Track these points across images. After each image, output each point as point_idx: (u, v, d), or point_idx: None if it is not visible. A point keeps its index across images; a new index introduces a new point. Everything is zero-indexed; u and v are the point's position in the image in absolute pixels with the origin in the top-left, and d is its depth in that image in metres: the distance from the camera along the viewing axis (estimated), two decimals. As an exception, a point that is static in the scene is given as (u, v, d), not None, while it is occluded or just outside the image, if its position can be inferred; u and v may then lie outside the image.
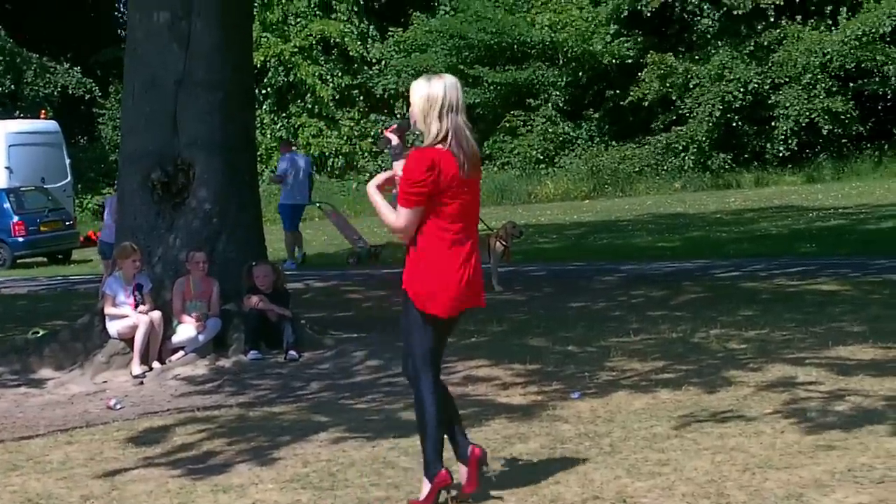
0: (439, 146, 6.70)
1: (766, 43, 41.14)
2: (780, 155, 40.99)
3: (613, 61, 42.59)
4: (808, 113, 39.93)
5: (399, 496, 6.99)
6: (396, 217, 6.73)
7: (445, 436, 6.92)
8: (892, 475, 6.91)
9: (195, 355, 12.44)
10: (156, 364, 12.33)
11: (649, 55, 41.22)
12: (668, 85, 41.22)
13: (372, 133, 46.58)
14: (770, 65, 40.77)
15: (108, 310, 12.56)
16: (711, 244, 22.86)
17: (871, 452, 7.42)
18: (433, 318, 6.77)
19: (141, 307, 12.43)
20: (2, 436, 9.61)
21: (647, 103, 41.41)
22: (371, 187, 6.91)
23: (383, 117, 46.52)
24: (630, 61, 42.27)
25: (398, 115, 45.87)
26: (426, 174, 6.64)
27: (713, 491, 6.78)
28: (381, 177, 6.95)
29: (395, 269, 20.99)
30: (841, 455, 7.40)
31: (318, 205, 26.35)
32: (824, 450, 7.54)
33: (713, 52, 41.59)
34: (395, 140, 7.00)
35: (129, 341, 12.33)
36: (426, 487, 6.81)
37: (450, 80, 6.82)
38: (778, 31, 41.04)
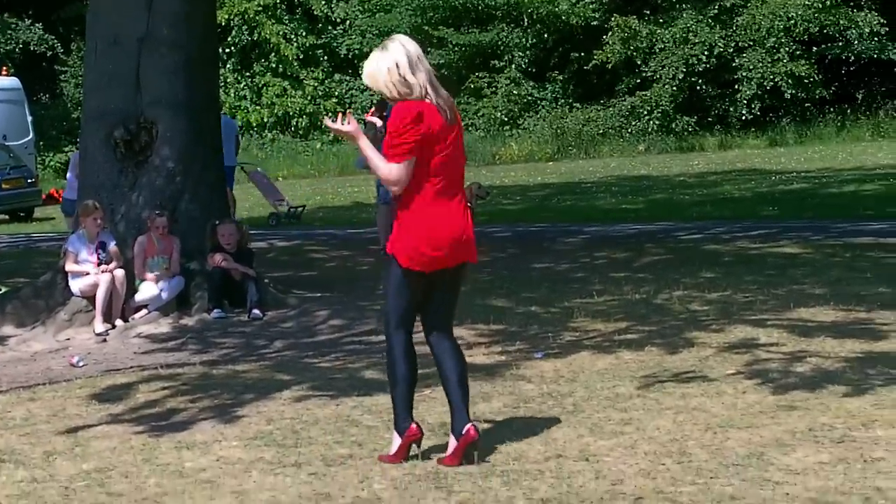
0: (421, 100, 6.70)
1: (730, 6, 41.19)
2: (744, 118, 41.15)
3: (579, 23, 42.54)
4: (771, 77, 40.06)
5: (363, 454, 7.01)
6: (389, 170, 6.67)
7: (448, 403, 6.90)
8: (852, 435, 6.97)
9: (158, 313, 12.42)
10: (119, 322, 12.30)
11: (613, 19, 41.22)
12: (631, 48, 41.23)
13: (336, 93, 46.42)
14: (734, 28, 40.84)
15: (70, 267, 12.51)
16: (675, 207, 22.96)
17: (832, 412, 7.48)
18: (415, 274, 6.77)
19: (104, 265, 12.38)
20: (-36, 392, 9.58)
21: (610, 66, 41.43)
22: (362, 137, 6.83)
23: (347, 77, 46.38)
24: (595, 23, 42.24)
25: (362, 76, 45.70)
26: (413, 124, 6.62)
27: (675, 450, 6.83)
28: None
29: (359, 230, 21.05)
30: (802, 415, 7.46)
31: (241, 166, 26.33)
32: (785, 410, 7.59)
33: (677, 15, 41.62)
34: (379, 122, 7.01)
35: (92, 299, 12.29)
36: (396, 441, 6.85)
37: (401, 38, 6.86)
38: (743, -6, 41.15)
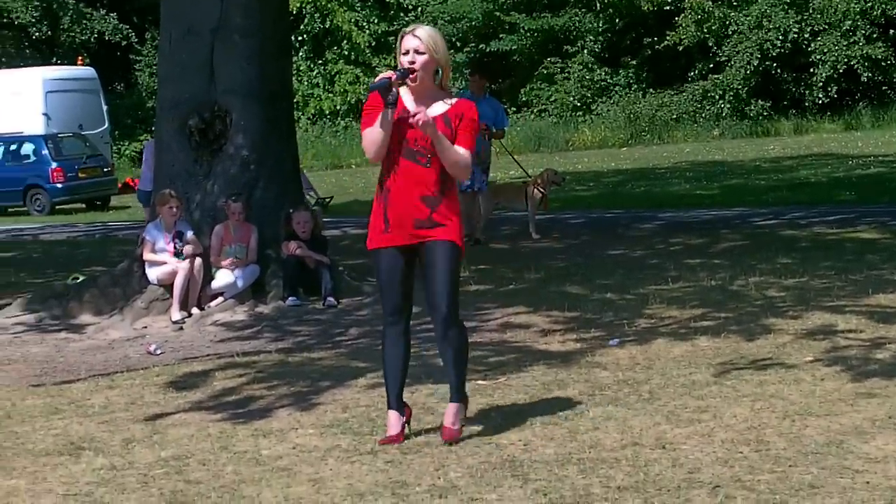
0: None
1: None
2: (819, 102, 40.73)
3: (651, 7, 42.30)
4: (846, 60, 39.61)
5: (438, 441, 7.01)
6: (469, 161, 6.93)
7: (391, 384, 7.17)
8: (933, 423, 6.90)
9: (234, 301, 12.47)
10: (195, 310, 12.37)
11: (686, 0, 40.94)
12: (705, 30, 40.93)
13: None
14: (810, 11, 40.41)
15: (147, 256, 12.59)
16: (750, 192, 22.80)
17: (912, 400, 7.40)
18: None
19: (186, 249, 12.43)
20: (43, 380, 9.68)
21: (682, 48, 41.13)
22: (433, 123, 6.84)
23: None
24: (668, 7, 41.97)
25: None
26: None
27: (752, 438, 6.78)
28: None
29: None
30: (881, 402, 7.38)
31: None
32: (864, 397, 7.52)
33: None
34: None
35: (169, 287, 12.37)
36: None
37: None
38: (818, -24, 40.71)
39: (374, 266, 7.18)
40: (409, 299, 7.14)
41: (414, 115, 6.75)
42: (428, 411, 7.76)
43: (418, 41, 6.83)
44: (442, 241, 6.91)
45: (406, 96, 6.92)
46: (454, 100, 6.97)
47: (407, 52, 6.85)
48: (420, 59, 6.84)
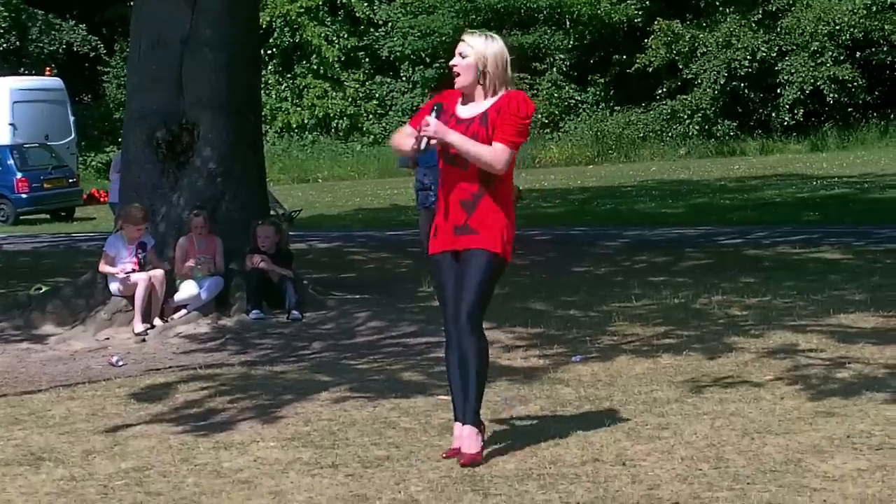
0: None
1: (774, 10, 41.04)
2: (786, 123, 40.97)
3: (622, 22, 42.42)
4: (813, 81, 39.87)
5: (399, 455, 7.01)
6: (498, 154, 6.72)
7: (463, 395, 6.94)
8: (891, 442, 6.93)
9: (197, 314, 12.45)
10: (158, 322, 12.34)
11: (656, 22, 41.15)
12: (674, 52, 41.15)
13: (377, 95, 46.39)
14: (778, 32, 40.68)
15: (103, 268, 12.53)
16: (715, 211, 22.91)
17: (871, 419, 7.44)
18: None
19: (150, 265, 12.40)
20: (4, 390, 9.64)
21: (652, 69, 41.34)
22: (450, 132, 6.75)
23: (389, 79, 46.41)
24: (638, 21, 42.15)
25: (403, 78, 45.78)
26: (530, 116, 6.85)
27: (712, 455, 6.81)
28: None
29: (398, 232, 21.06)
30: (840, 421, 7.42)
31: None
32: (823, 416, 7.56)
33: (721, 19, 41.50)
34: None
35: (131, 299, 12.33)
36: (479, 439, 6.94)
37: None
38: (787, -1, 41.01)
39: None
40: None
41: (423, 129, 6.73)
42: (390, 426, 7.76)
43: (465, 45, 6.85)
44: (474, 250, 6.81)
45: (458, 105, 6.94)
46: (500, 95, 6.88)
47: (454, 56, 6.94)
48: (463, 62, 6.85)
